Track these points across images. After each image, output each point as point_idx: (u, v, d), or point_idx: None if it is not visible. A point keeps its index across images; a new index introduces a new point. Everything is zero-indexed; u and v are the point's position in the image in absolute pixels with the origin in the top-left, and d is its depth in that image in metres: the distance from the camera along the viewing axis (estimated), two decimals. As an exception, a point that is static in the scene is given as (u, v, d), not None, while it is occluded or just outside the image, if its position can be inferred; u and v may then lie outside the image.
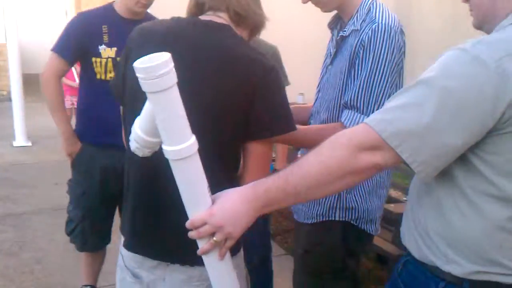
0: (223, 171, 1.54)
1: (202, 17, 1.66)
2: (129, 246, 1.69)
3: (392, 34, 1.83)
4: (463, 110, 1.19)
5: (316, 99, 2.13)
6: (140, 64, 1.19)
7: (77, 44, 2.66)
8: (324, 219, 2.01)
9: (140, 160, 1.53)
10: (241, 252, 1.73)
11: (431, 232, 1.36)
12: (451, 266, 1.32)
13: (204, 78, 1.54)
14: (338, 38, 2.02)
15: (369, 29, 1.84)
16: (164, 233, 1.58)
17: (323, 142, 1.31)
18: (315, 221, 2.03)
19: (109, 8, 2.73)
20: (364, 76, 1.83)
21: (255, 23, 1.74)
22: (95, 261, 3.04)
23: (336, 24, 2.11)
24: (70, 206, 2.89)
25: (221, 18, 1.65)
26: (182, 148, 1.28)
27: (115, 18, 2.68)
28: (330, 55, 2.09)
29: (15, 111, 6.13)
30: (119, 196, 2.68)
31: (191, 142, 1.29)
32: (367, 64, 1.82)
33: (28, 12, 9.86)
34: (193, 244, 1.36)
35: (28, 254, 3.77)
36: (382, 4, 1.95)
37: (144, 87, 1.21)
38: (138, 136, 1.39)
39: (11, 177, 5.15)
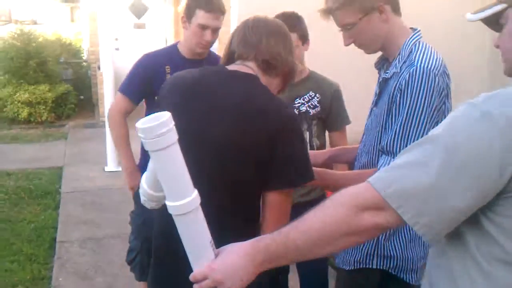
0: (242, 221, 1.58)
1: (230, 66, 1.73)
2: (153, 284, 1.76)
3: (431, 77, 1.78)
4: (469, 169, 1.14)
5: (361, 141, 2.12)
6: (141, 125, 1.27)
7: (141, 84, 2.81)
8: (361, 266, 1.99)
9: (158, 211, 1.60)
10: None
11: None
12: None
13: (222, 128, 1.60)
14: (381, 80, 2.00)
15: (407, 73, 1.81)
16: (182, 283, 1.57)
17: (328, 199, 1.30)
18: (353, 267, 2.01)
19: (173, 48, 2.87)
20: (400, 121, 1.80)
21: (287, 70, 1.77)
22: (154, 292, 3.14)
23: (382, 64, 2.10)
24: (132, 236, 3.03)
25: (248, 67, 1.72)
26: (182, 204, 1.33)
27: (178, 58, 2.81)
28: (376, 96, 2.07)
29: (108, 137, 6.46)
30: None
31: (191, 198, 1.34)
32: (404, 109, 1.79)
33: (127, 39, 10.38)
34: None
35: (100, 279, 3.96)
36: (426, 45, 1.92)
37: (146, 146, 1.29)
38: (144, 190, 1.47)
39: (98, 201, 5.44)
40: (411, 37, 1.93)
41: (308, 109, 2.74)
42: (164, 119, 1.27)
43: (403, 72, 1.85)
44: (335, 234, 1.27)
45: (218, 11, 2.72)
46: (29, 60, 8.88)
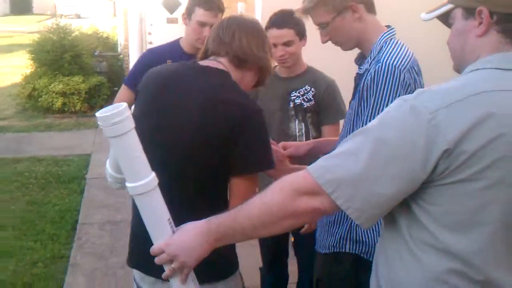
0: (208, 207, 1.66)
1: (203, 62, 1.88)
2: (131, 262, 1.94)
3: (396, 73, 1.88)
4: (395, 160, 1.25)
5: (340, 132, 2.25)
6: (99, 114, 1.44)
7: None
8: (335, 250, 2.09)
9: None
10: (236, 274, 1.89)
11: (380, 277, 1.44)
12: None
13: (189, 118, 1.75)
14: (355, 75, 2.12)
15: (373, 69, 1.92)
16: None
17: (271, 184, 1.43)
18: (327, 251, 2.11)
19: (175, 43, 3.05)
20: (366, 116, 1.91)
21: (259, 65, 1.92)
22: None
23: (362, 60, 2.19)
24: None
25: (219, 63, 1.87)
26: (139, 185, 1.49)
27: (179, 53, 2.99)
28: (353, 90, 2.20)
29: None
30: None
31: (148, 179, 1.50)
32: (369, 105, 1.90)
33: (160, 33, 10.56)
34: None
35: (115, 259, 4.20)
36: (397, 42, 2.02)
37: (104, 133, 1.45)
38: (108, 172, 1.65)
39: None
40: (383, 35, 2.03)
41: (303, 102, 2.88)
42: (119, 109, 1.44)
43: (370, 69, 1.96)
44: (275, 217, 1.39)
45: (217, 9, 2.89)
46: (64, 53, 9.19)
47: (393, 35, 2.06)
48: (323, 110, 2.91)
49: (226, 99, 1.77)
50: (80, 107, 9.19)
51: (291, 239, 3.13)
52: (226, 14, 7.57)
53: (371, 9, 2.08)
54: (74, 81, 9.11)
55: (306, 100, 2.88)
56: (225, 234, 1.46)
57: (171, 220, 1.54)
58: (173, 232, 1.53)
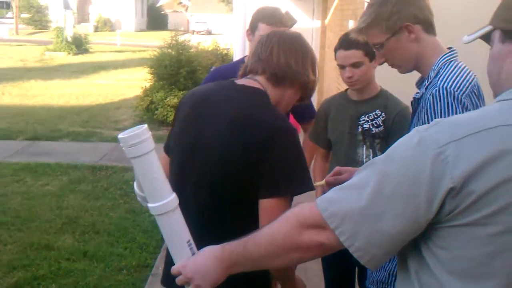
0: (238, 227, 1.59)
1: (240, 81, 1.86)
2: (162, 281, 1.97)
3: (455, 97, 1.77)
4: (398, 197, 1.16)
5: None
6: (120, 135, 1.48)
7: None
8: (384, 287, 2.02)
9: None
10: None
11: None
12: None
13: (219, 137, 1.73)
14: (412, 100, 2.03)
15: (429, 95, 1.83)
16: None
17: (282, 215, 1.38)
18: (376, 287, 2.04)
19: (240, 62, 3.07)
20: None
21: (300, 82, 1.87)
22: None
23: (422, 82, 2.09)
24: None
25: (255, 81, 1.84)
26: (158, 205, 1.51)
27: None
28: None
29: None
30: None
31: (168, 200, 1.51)
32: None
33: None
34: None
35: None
36: (457, 64, 1.90)
37: (125, 154, 1.49)
38: (136, 191, 1.68)
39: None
40: (441, 57, 1.92)
41: (371, 127, 2.77)
42: (138, 131, 1.46)
43: (426, 94, 1.86)
44: (281, 249, 1.33)
45: (279, 23, 2.87)
46: (181, 68, 9.64)
47: (453, 57, 1.93)
48: (393, 137, 2.76)
49: (256, 118, 1.72)
50: (192, 121, 9.53)
51: (356, 270, 3.01)
52: (337, 32, 7.54)
53: (429, 29, 1.96)
54: (188, 95, 9.47)
55: (375, 125, 2.77)
56: (237, 262, 1.42)
57: (191, 241, 1.55)
58: (193, 254, 1.53)
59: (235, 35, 7.34)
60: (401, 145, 1.21)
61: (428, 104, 1.81)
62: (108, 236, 4.99)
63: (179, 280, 1.51)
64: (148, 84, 10.31)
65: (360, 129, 2.79)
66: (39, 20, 41.37)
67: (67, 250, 4.64)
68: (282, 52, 1.84)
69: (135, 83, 14.62)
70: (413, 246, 1.22)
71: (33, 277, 4.14)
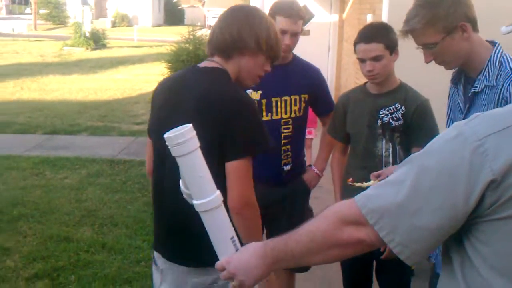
0: None
1: (201, 64, 2.09)
2: (154, 245, 2.26)
3: None
4: (436, 191, 1.15)
5: None
6: (166, 134, 1.54)
7: None
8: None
9: (153, 180, 2.14)
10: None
11: None
12: None
13: (188, 116, 1.83)
14: (470, 94, 2.07)
15: (509, 83, 1.93)
16: (168, 239, 2.12)
17: (321, 212, 1.38)
18: None
19: None
20: None
21: (248, 49, 2.03)
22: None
23: (459, 78, 2.17)
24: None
25: (213, 62, 2.05)
26: (203, 202, 1.56)
27: None
28: (461, 110, 2.14)
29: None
30: (264, 223, 3.04)
31: (212, 198, 1.56)
32: None
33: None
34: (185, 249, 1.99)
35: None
36: (509, 55, 2.02)
37: (171, 152, 1.55)
38: (181, 188, 1.72)
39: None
40: (495, 51, 2.00)
41: (391, 121, 2.75)
42: (183, 130, 1.52)
43: (503, 85, 1.94)
44: (321, 246, 1.34)
45: (296, 16, 2.88)
46: (198, 62, 9.61)
47: (502, 49, 2.04)
48: (413, 130, 2.75)
49: (220, 95, 1.93)
50: (208, 115, 9.55)
51: (374, 264, 3.00)
52: (355, 26, 7.53)
53: (475, 27, 2.05)
54: (205, 90, 9.49)
55: (394, 119, 2.75)
56: (279, 258, 1.44)
57: (235, 238, 1.58)
58: (236, 250, 1.57)
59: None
60: (440, 140, 1.21)
61: (508, 93, 1.90)
62: (126, 228, 5.03)
63: (223, 276, 1.53)
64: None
65: (379, 122, 2.77)
66: (57, 16, 41.71)
67: (86, 242, 4.69)
68: (219, 29, 2.04)
69: (152, 77, 14.66)
70: (455, 241, 1.22)
71: (52, 269, 4.19)
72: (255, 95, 2.96)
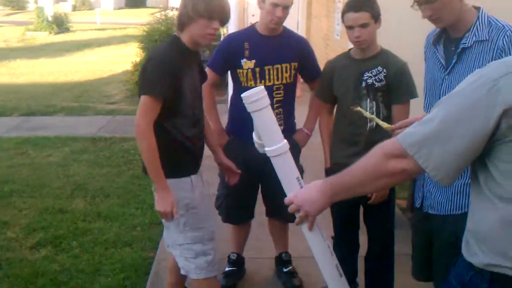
0: None
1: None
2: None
3: None
4: (462, 121, 1.47)
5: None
6: (243, 94, 1.91)
7: (223, 59, 3.34)
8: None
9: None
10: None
11: (467, 230, 1.64)
12: (473, 257, 1.57)
13: None
14: (459, 50, 2.35)
15: (504, 35, 2.21)
16: None
17: (370, 151, 1.68)
18: (463, 211, 2.31)
19: (251, 27, 3.36)
20: None
21: (190, 20, 2.65)
22: (240, 232, 3.68)
23: (439, 40, 2.46)
24: (219, 185, 3.57)
25: (176, 33, 2.74)
26: (273, 149, 1.93)
27: (255, 36, 3.29)
28: (443, 67, 2.43)
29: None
30: (259, 180, 3.34)
31: (281, 144, 1.93)
32: None
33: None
34: None
35: (204, 226, 4.58)
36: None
37: (247, 109, 1.93)
38: (254, 140, 2.07)
39: (213, 164, 6.06)
40: (482, 12, 2.30)
41: (374, 83, 3.07)
42: (256, 91, 1.88)
43: (497, 37, 2.23)
44: (371, 177, 1.65)
45: None
46: (171, 42, 9.81)
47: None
48: (393, 90, 3.08)
49: (150, 51, 2.68)
50: (183, 93, 9.74)
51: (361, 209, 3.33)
52: (323, 3, 7.76)
53: None
54: (178, 68, 9.66)
55: (377, 80, 3.07)
56: (337, 191, 1.75)
57: (299, 178, 1.93)
58: (301, 187, 1.91)
59: (232, 12, 7.56)
60: (464, 83, 1.52)
61: (505, 42, 2.21)
62: (118, 198, 5.28)
63: (291, 209, 1.86)
64: (138, 59, 10.48)
65: (364, 84, 3.09)
66: (15, 1, 40.74)
67: (81, 212, 4.92)
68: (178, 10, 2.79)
69: (121, 59, 14.74)
70: (480, 163, 1.53)
71: (53, 237, 4.42)
72: (249, 64, 3.25)
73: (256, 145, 2.14)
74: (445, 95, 2.30)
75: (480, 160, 1.52)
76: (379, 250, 3.30)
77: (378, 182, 1.65)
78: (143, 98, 2.56)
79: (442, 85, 2.41)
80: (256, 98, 1.87)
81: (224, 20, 2.70)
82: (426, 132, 1.51)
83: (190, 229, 2.73)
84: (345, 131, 3.17)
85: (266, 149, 1.92)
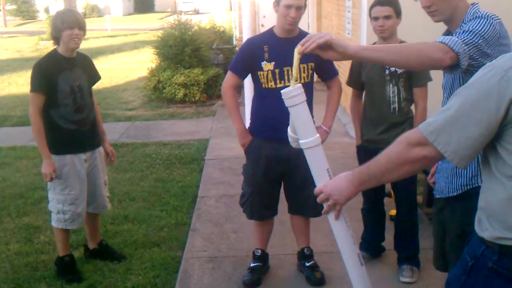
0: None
1: None
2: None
3: (489, 19, 2.28)
4: (476, 109, 1.63)
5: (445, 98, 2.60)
6: (283, 90, 2.09)
7: (244, 63, 3.51)
8: (468, 188, 2.42)
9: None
10: None
11: (479, 208, 1.80)
12: (484, 232, 1.73)
13: None
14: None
15: (469, 20, 2.34)
16: None
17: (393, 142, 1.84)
18: (459, 191, 2.46)
19: (269, 31, 3.53)
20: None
21: (54, 35, 3.83)
22: (264, 229, 3.84)
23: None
24: (244, 184, 3.74)
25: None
26: (307, 141, 2.09)
27: (273, 38, 3.46)
28: None
29: (247, 114, 7.24)
30: (281, 178, 3.52)
31: (314, 138, 2.09)
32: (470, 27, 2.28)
33: (272, 20, 11.11)
34: None
35: (229, 226, 4.79)
36: (487, 12, 2.36)
37: (285, 103, 2.10)
38: (288, 134, 2.26)
39: (233, 166, 6.21)
40: (472, 7, 2.39)
41: (397, 70, 3.54)
42: (296, 87, 2.05)
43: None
44: (395, 164, 1.79)
45: None
46: (185, 47, 10.00)
47: (479, 8, 2.41)
48: (413, 75, 3.57)
49: None
50: (199, 97, 9.97)
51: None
52: (334, 2, 8.05)
53: None
54: (194, 73, 9.88)
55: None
56: (364, 180, 1.89)
57: (329, 169, 2.09)
58: (330, 178, 2.05)
59: (243, 11, 7.73)
60: (477, 75, 1.68)
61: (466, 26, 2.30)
62: (144, 202, 5.47)
63: (320, 198, 2.00)
64: (153, 64, 10.67)
65: (387, 71, 3.58)
66: (26, 11, 41.31)
67: (109, 216, 5.10)
68: None
69: (135, 65, 14.99)
70: (491, 146, 1.69)
71: (84, 240, 4.57)
72: (269, 66, 3.42)
73: (289, 139, 2.30)
74: (446, 87, 2.50)
75: (490, 144, 1.67)
76: (405, 211, 3.78)
77: (402, 169, 1.79)
78: (31, 94, 3.75)
79: (453, 79, 2.52)
80: (295, 93, 2.04)
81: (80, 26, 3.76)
82: (444, 120, 1.66)
83: (56, 193, 3.88)
84: (373, 113, 3.76)
85: (301, 141, 2.08)
